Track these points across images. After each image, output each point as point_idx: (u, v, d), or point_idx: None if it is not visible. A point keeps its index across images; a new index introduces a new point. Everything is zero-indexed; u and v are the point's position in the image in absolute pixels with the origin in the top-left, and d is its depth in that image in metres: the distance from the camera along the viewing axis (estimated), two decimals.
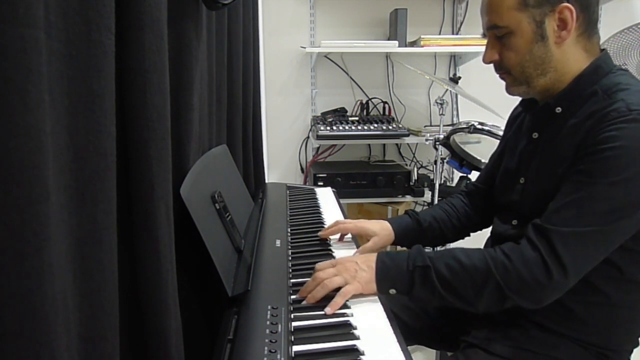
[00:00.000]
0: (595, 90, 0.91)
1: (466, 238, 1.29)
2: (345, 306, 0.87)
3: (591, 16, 0.92)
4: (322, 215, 1.39)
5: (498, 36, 0.95)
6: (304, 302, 0.87)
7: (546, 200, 0.93)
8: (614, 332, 0.95)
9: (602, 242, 0.85)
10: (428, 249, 0.98)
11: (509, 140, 1.14)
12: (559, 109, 0.96)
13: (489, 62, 0.99)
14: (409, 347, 0.77)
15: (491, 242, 1.13)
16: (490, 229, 1.18)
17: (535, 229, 0.88)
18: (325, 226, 1.29)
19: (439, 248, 1.63)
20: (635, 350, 1.00)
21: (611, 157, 0.83)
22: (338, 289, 0.88)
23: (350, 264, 0.93)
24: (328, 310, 0.84)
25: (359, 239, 1.23)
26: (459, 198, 1.29)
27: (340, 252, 1.13)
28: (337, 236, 1.21)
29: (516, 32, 0.92)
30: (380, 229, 1.18)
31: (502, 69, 0.98)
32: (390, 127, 2.27)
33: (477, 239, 1.28)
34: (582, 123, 0.90)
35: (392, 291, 0.92)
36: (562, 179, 0.90)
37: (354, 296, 0.90)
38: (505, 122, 1.22)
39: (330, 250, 1.13)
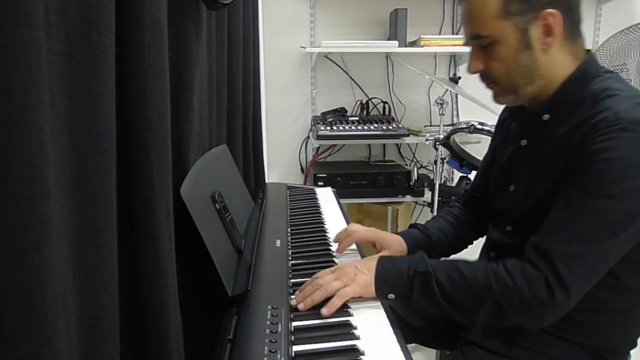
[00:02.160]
0: (583, 97, 0.89)
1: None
2: (345, 306, 0.87)
3: (575, 18, 0.90)
4: (322, 216, 1.39)
5: (482, 45, 0.92)
6: (300, 306, 0.85)
7: (538, 208, 0.92)
8: (612, 335, 0.95)
9: (602, 259, 0.83)
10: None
11: (498, 146, 1.12)
12: (546, 116, 0.94)
13: (474, 72, 0.96)
14: (408, 346, 0.77)
15: (487, 248, 1.12)
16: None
17: (534, 248, 0.85)
18: (326, 226, 1.29)
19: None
20: (636, 350, 1.00)
21: (603, 170, 0.80)
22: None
23: (349, 268, 0.91)
24: (324, 311, 0.83)
25: (363, 248, 1.21)
26: (457, 206, 1.28)
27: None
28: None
29: (500, 41, 0.89)
30: (393, 242, 1.15)
31: (488, 79, 0.95)
32: (390, 127, 2.27)
33: (475, 246, 1.28)
34: (571, 132, 0.87)
35: (391, 296, 0.90)
36: (552, 189, 0.88)
37: (355, 297, 0.89)
38: (494, 126, 1.20)
39: (330, 250, 1.13)
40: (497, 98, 0.98)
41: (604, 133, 0.81)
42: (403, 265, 0.91)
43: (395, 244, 1.16)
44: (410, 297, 0.90)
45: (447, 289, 0.87)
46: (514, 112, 1.06)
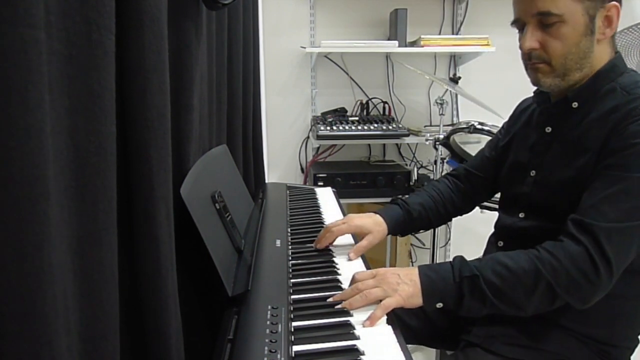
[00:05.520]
0: (614, 87, 0.93)
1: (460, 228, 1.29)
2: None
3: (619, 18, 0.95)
4: (322, 215, 1.39)
5: (544, 24, 0.92)
6: (338, 306, 0.85)
7: (561, 191, 0.95)
8: (616, 325, 0.95)
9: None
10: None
11: (517, 134, 1.14)
12: (575, 104, 0.97)
13: (529, 50, 0.95)
14: (409, 347, 0.77)
15: (496, 236, 1.13)
16: (490, 227, 1.18)
17: (576, 224, 0.87)
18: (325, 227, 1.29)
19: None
20: (635, 350, 1.00)
21: None
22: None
23: (392, 277, 0.90)
24: (367, 323, 0.81)
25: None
26: (445, 182, 1.30)
27: (340, 249, 1.13)
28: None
29: (569, 22, 0.91)
30: (374, 224, 1.17)
31: (539, 58, 0.95)
32: (390, 127, 2.27)
33: (471, 233, 1.28)
34: (605, 117, 0.91)
35: (439, 305, 0.90)
36: (579, 172, 0.91)
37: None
38: (510, 115, 1.22)
39: (330, 250, 1.13)
40: (541, 79, 0.97)
41: None
42: (447, 272, 0.90)
43: (376, 227, 1.17)
44: (461, 303, 0.89)
45: (498, 286, 0.87)
46: (542, 99, 1.07)
